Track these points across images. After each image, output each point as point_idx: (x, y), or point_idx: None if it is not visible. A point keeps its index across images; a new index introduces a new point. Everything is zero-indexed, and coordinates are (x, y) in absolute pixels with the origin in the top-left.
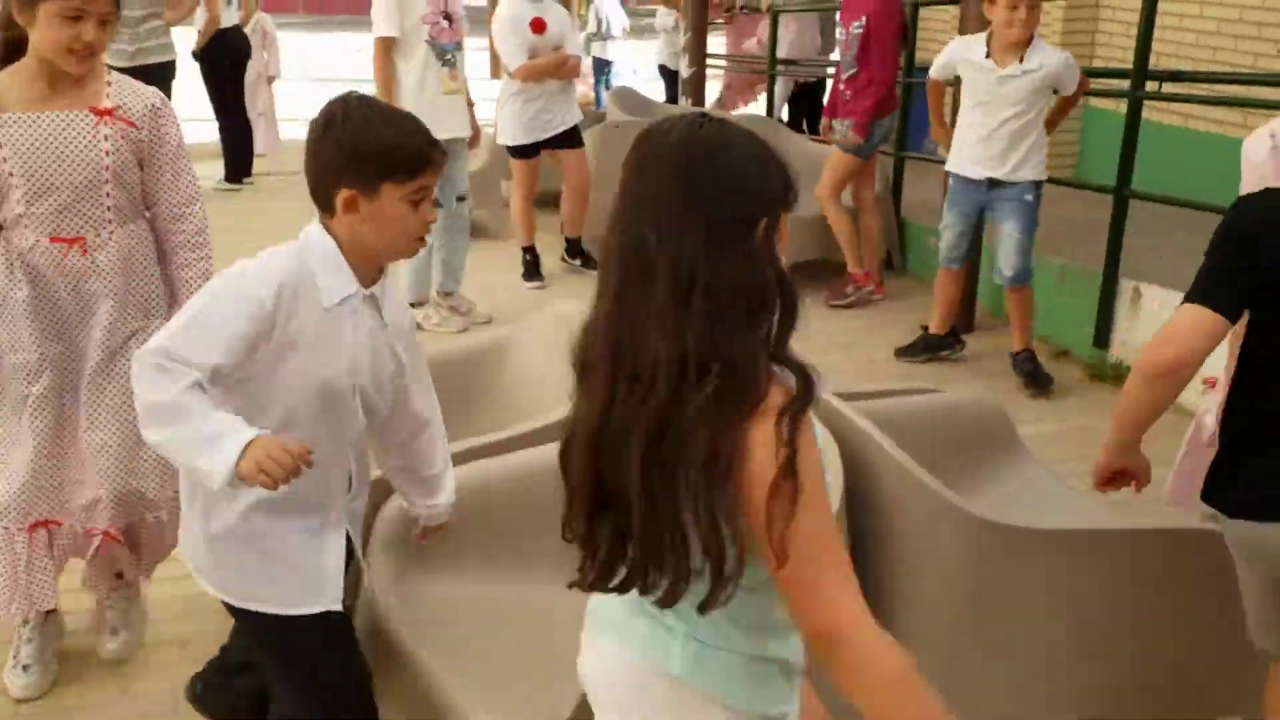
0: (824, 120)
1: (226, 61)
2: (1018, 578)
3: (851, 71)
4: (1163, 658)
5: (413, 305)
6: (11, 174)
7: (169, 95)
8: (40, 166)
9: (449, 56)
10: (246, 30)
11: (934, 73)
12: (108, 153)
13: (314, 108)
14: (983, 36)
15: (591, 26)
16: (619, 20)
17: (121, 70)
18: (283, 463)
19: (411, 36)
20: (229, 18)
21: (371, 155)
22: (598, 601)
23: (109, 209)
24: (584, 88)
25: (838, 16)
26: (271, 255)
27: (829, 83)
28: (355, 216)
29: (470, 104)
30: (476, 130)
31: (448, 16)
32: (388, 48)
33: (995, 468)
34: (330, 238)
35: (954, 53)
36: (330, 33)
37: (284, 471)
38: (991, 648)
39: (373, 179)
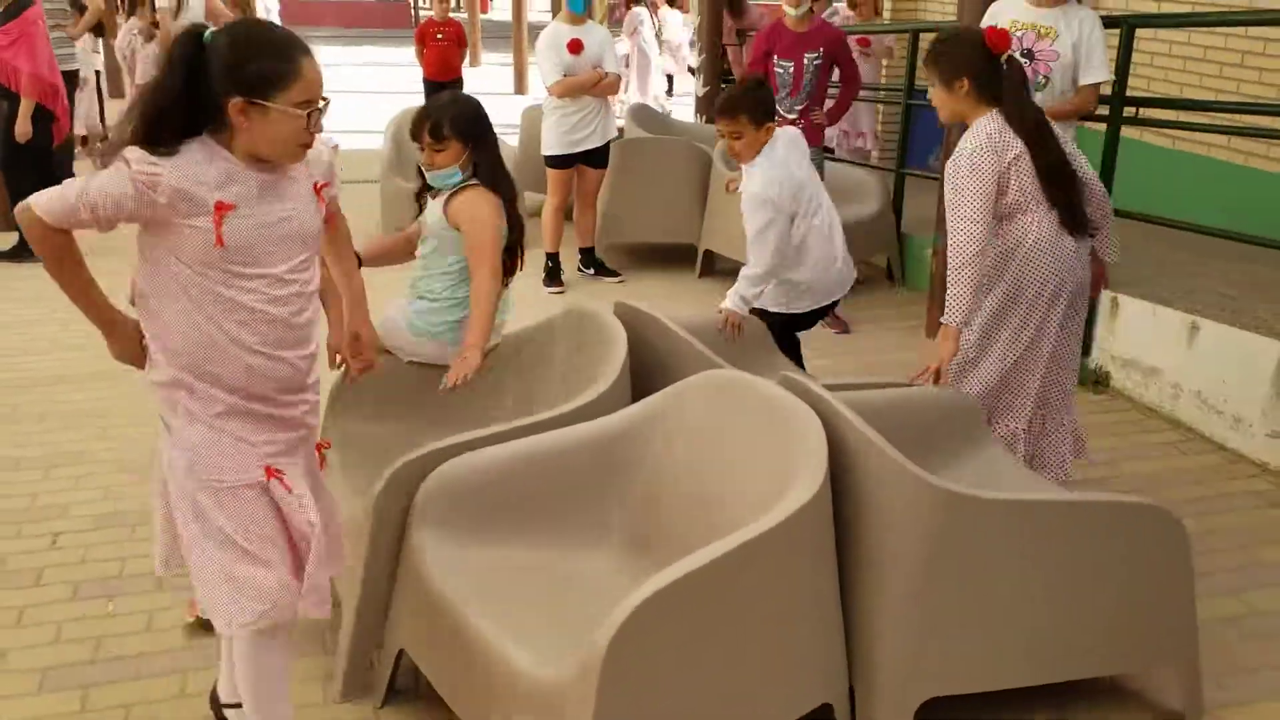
0: None
1: None
2: (973, 544)
3: (803, 104)
4: (1102, 617)
5: None
6: None
7: (73, 103)
8: None
9: None
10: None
11: None
12: None
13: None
14: None
15: None
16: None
17: None
18: None
19: None
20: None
21: None
22: None
23: None
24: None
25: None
26: None
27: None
28: None
29: None
30: None
31: None
32: None
33: (962, 452)
34: None
35: None
36: (357, 46)
37: None
38: (950, 609)
39: None
